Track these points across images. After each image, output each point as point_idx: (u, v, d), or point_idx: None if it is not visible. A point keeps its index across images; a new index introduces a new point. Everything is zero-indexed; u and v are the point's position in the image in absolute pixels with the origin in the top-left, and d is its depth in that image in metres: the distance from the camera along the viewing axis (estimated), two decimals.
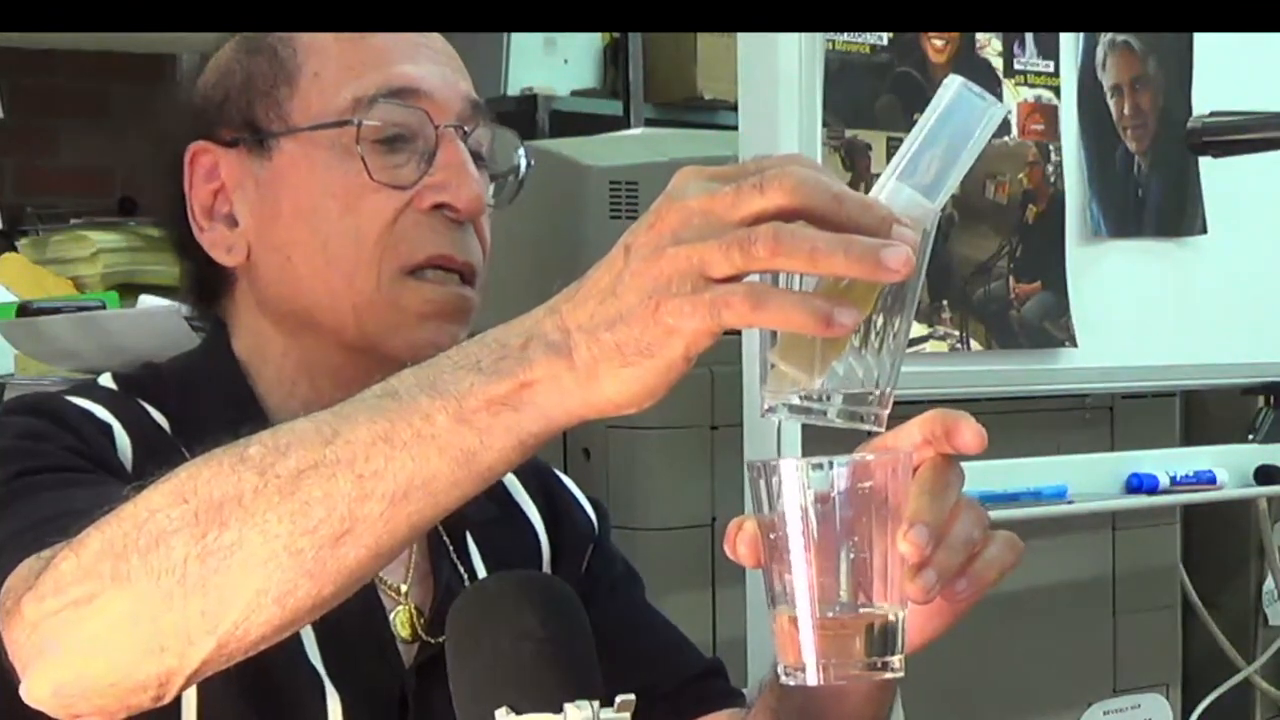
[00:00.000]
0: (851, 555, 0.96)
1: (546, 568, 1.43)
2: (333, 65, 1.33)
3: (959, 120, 0.95)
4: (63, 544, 1.01)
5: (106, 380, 1.36)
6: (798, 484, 0.96)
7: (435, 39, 1.38)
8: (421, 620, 1.33)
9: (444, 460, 0.94)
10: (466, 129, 1.34)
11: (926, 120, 0.95)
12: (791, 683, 0.97)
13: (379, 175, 1.31)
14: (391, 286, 1.31)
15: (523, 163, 1.39)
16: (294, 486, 0.95)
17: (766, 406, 0.95)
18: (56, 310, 2.10)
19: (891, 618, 0.97)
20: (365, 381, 1.32)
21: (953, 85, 0.96)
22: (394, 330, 1.31)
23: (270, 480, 0.95)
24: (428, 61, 1.35)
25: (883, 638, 0.97)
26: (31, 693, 1.01)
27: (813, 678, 0.97)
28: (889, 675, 0.98)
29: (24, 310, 2.16)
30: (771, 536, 0.97)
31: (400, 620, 1.33)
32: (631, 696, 1.01)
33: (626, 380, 0.91)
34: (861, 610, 0.96)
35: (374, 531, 0.95)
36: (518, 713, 1.00)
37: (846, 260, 0.87)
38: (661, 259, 0.89)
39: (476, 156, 1.35)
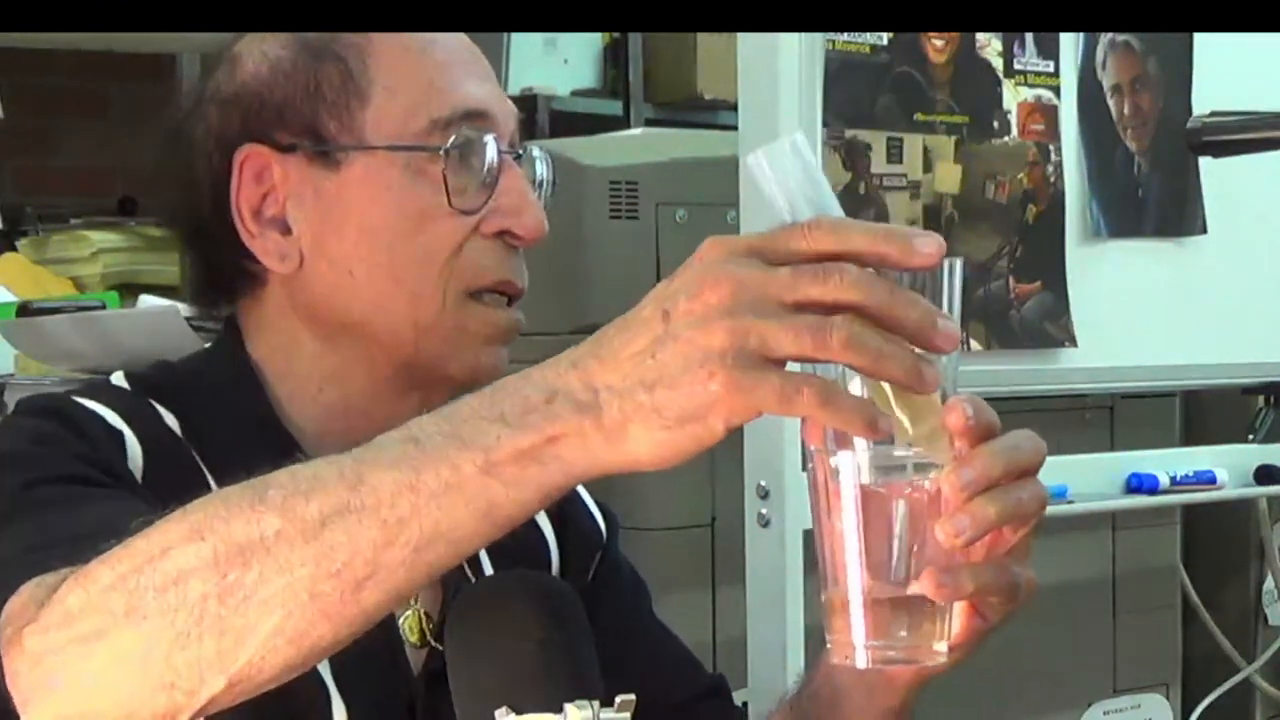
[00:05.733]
0: (904, 541, 0.97)
1: (555, 573, 1.43)
2: (405, 82, 1.32)
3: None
4: (68, 573, 1.01)
5: (119, 379, 1.34)
6: (852, 470, 0.97)
7: (474, 50, 1.37)
8: (430, 625, 1.33)
9: (469, 511, 0.94)
10: (519, 151, 1.35)
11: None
12: (842, 662, 0.99)
13: (454, 201, 1.30)
14: (456, 309, 1.31)
15: (549, 176, 1.39)
16: (319, 530, 0.95)
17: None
18: (56, 310, 2.10)
19: (934, 602, 0.98)
20: (399, 393, 1.32)
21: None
22: (455, 352, 1.31)
23: (294, 522, 0.95)
24: (484, 80, 1.35)
25: (930, 622, 0.98)
26: None
27: (861, 660, 0.98)
28: (936, 660, 0.99)
29: (24, 310, 2.16)
30: (826, 521, 0.98)
31: (409, 625, 1.32)
32: (632, 696, 1.01)
33: (658, 443, 0.92)
34: (911, 595, 0.97)
35: (395, 577, 0.95)
36: (518, 712, 1.00)
37: (899, 370, 0.91)
38: (715, 330, 0.90)
39: None
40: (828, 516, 0.98)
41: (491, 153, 1.31)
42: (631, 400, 0.91)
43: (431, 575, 0.97)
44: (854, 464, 0.97)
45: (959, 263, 0.97)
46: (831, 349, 0.90)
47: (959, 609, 1.03)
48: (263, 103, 1.33)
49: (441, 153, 1.30)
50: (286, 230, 1.33)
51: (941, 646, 0.99)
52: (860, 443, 0.96)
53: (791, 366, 0.92)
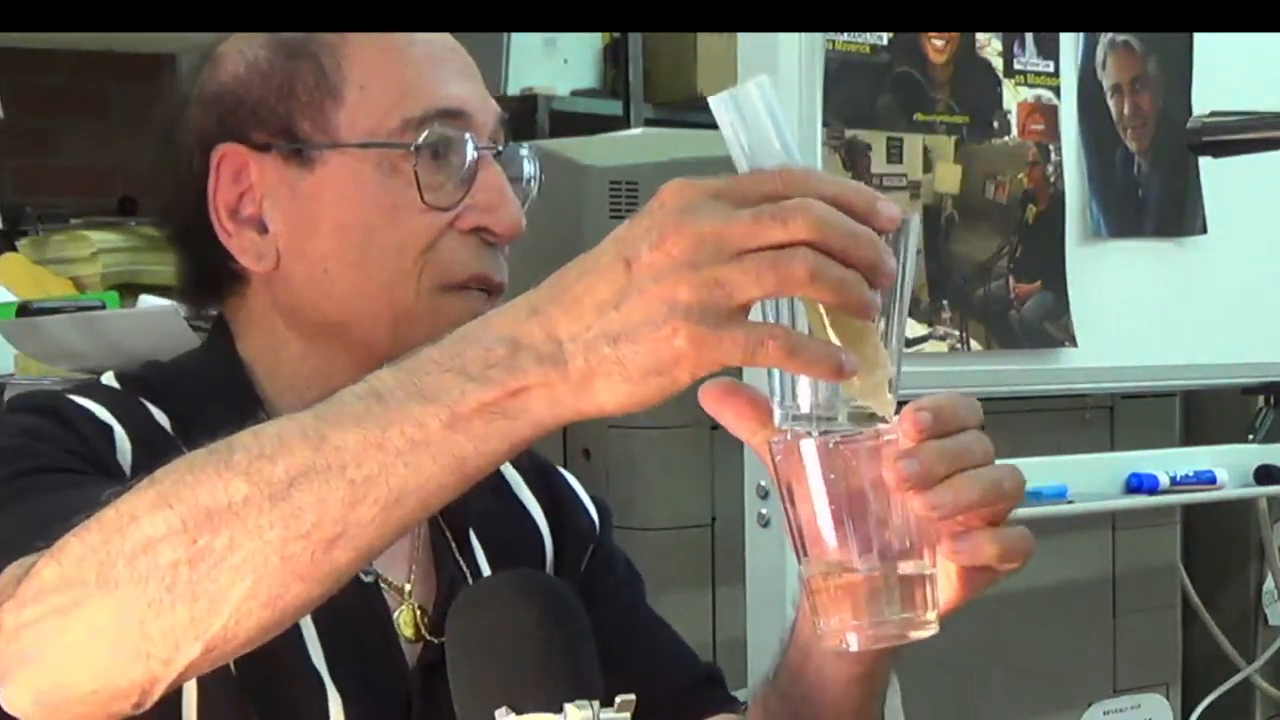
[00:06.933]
0: (877, 518, 0.98)
1: (549, 566, 1.43)
2: (379, 80, 1.32)
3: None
4: (43, 550, 1.01)
5: (110, 379, 1.35)
6: (818, 455, 0.97)
7: (456, 48, 1.37)
8: (425, 620, 1.33)
9: (437, 466, 0.94)
10: (500, 148, 1.35)
11: None
12: (834, 648, 1.00)
13: (426, 197, 1.31)
14: (431, 299, 1.31)
15: (535, 173, 1.39)
16: (286, 492, 0.95)
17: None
18: (56, 310, 2.10)
19: (919, 574, 0.98)
20: None
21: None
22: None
23: (261, 485, 0.95)
24: (464, 79, 1.35)
25: (919, 593, 0.98)
26: (11, 702, 1.01)
27: (855, 643, 0.98)
28: (928, 632, 0.99)
29: (24, 310, 2.16)
30: (798, 507, 0.98)
31: (404, 620, 1.33)
32: (632, 696, 1.01)
33: (622, 393, 0.92)
34: (891, 569, 0.98)
35: (365, 535, 0.96)
36: (518, 713, 1.00)
37: (856, 298, 0.91)
38: (679, 283, 0.90)
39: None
40: (793, 501, 0.98)
41: (469, 150, 1.32)
42: (596, 353, 0.91)
43: (403, 531, 0.97)
44: (813, 444, 0.97)
45: (915, 217, 0.97)
46: (796, 283, 0.89)
47: (941, 577, 1.02)
48: (239, 102, 1.34)
49: (412, 149, 1.30)
50: (263, 229, 1.33)
51: (931, 616, 0.99)
52: (804, 397, 0.96)
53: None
